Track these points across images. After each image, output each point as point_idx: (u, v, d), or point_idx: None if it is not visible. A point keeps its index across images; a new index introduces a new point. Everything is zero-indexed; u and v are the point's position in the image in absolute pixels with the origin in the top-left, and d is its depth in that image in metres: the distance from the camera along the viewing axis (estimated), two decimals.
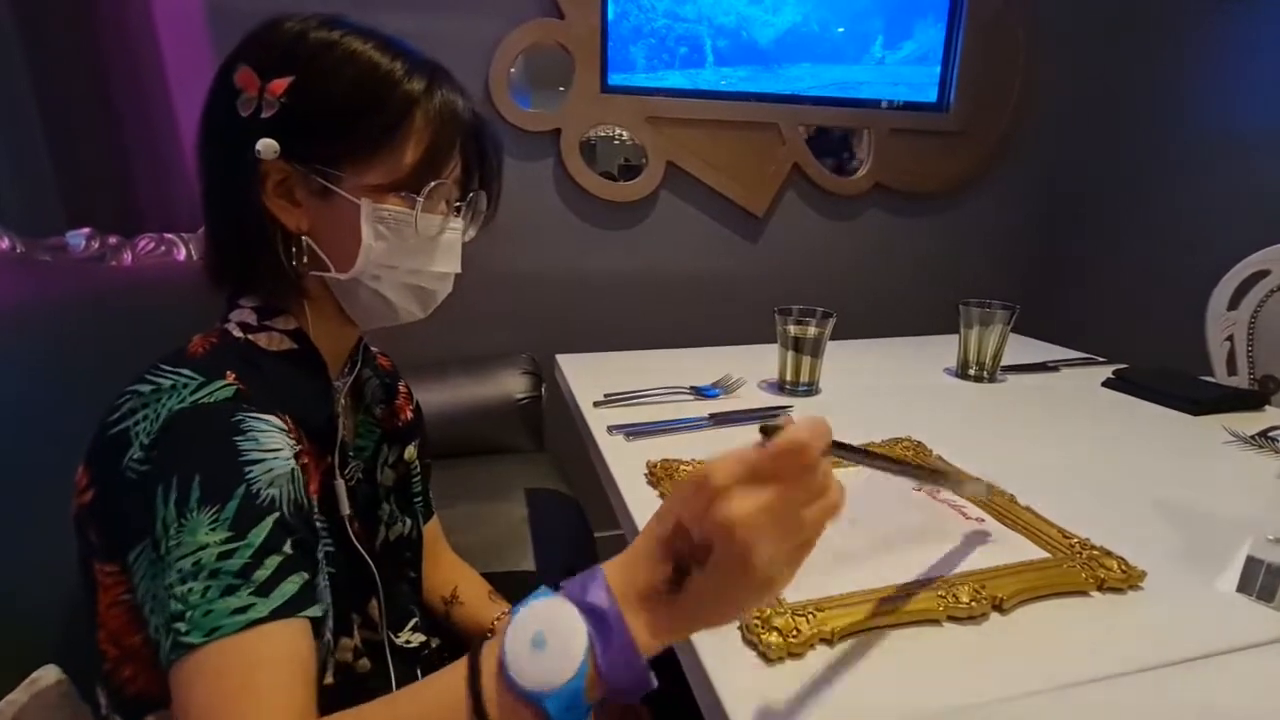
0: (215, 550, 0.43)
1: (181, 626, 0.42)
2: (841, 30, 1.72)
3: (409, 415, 0.73)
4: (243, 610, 0.42)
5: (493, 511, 1.27)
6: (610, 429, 0.87)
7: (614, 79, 1.60)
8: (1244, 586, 0.56)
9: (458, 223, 0.62)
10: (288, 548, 0.46)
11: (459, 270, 0.64)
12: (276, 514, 0.46)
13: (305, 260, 0.56)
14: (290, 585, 0.44)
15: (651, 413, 0.92)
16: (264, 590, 0.43)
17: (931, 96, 1.83)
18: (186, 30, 1.20)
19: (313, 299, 0.58)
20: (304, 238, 0.55)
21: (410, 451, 0.72)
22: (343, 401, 0.64)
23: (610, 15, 1.55)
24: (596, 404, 0.95)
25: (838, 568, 0.58)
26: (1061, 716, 0.44)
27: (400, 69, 0.54)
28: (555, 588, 0.39)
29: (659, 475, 0.73)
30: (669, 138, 1.66)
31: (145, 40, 1.16)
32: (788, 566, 0.36)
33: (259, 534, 0.45)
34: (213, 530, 0.44)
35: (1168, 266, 1.77)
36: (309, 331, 0.58)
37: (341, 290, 0.58)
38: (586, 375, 1.07)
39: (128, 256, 1.05)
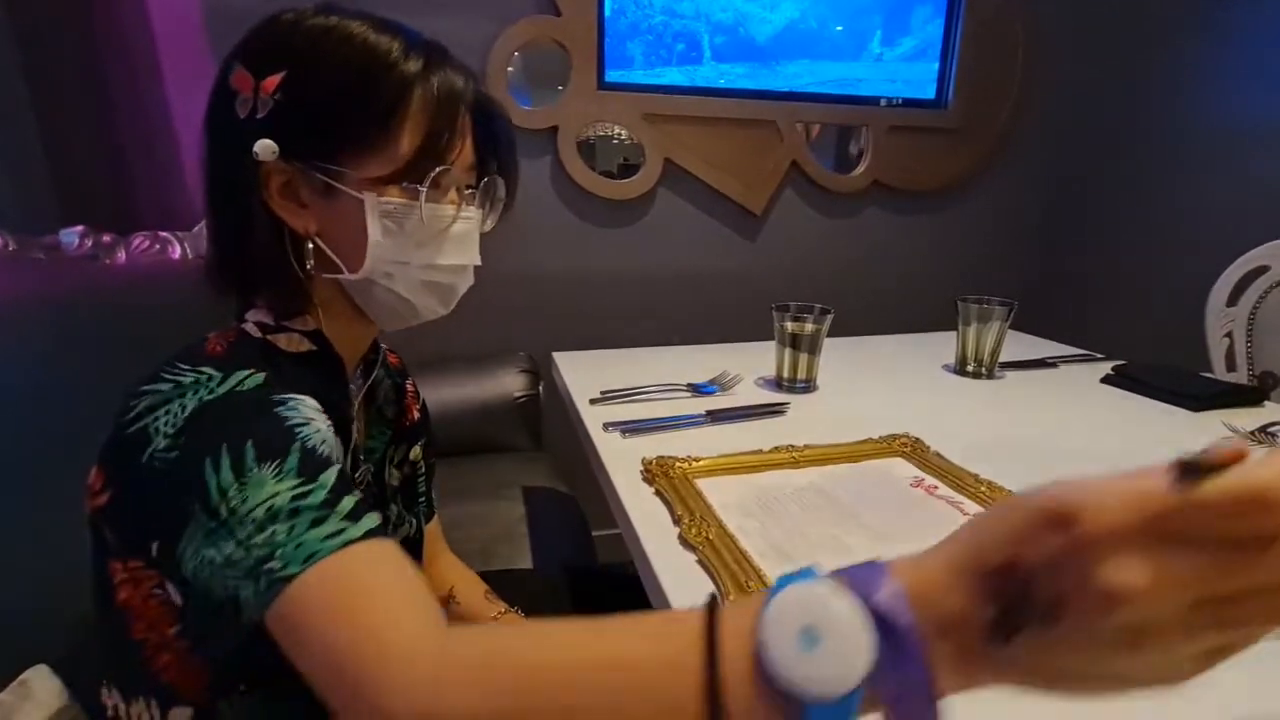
0: (289, 494, 0.42)
1: (274, 564, 0.39)
2: (840, 28, 1.71)
3: (415, 415, 0.72)
4: (335, 535, 0.40)
5: (490, 510, 1.27)
6: (606, 426, 0.86)
7: (611, 76, 1.59)
8: None
9: (472, 212, 0.60)
10: (357, 492, 0.44)
11: (478, 262, 0.62)
12: (338, 466, 0.45)
13: (315, 263, 0.54)
14: (370, 520, 0.43)
15: (648, 410, 0.91)
16: (352, 518, 0.42)
17: (930, 93, 1.82)
18: (183, 28, 1.20)
19: (325, 302, 0.56)
20: (314, 239, 0.54)
21: (416, 451, 0.71)
22: (357, 404, 0.62)
23: (607, 11, 1.54)
24: (593, 401, 0.94)
25: (836, 565, 0.58)
26: None
27: (397, 48, 0.51)
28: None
29: (654, 472, 0.73)
30: (667, 135, 1.66)
31: (141, 38, 1.15)
32: (1191, 665, 0.26)
33: (329, 477, 0.43)
34: (280, 481, 0.42)
35: (1167, 262, 1.77)
36: (325, 332, 0.57)
37: (356, 291, 0.57)
38: (583, 372, 1.06)
39: (122, 255, 1.05)
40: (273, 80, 0.50)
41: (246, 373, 0.47)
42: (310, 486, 0.42)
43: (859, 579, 0.30)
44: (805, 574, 0.31)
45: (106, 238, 1.04)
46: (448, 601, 0.79)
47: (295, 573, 0.39)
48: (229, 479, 0.42)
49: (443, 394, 1.49)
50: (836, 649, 0.28)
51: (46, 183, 1.10)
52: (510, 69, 1.53)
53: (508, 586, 0.83)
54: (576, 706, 0.32)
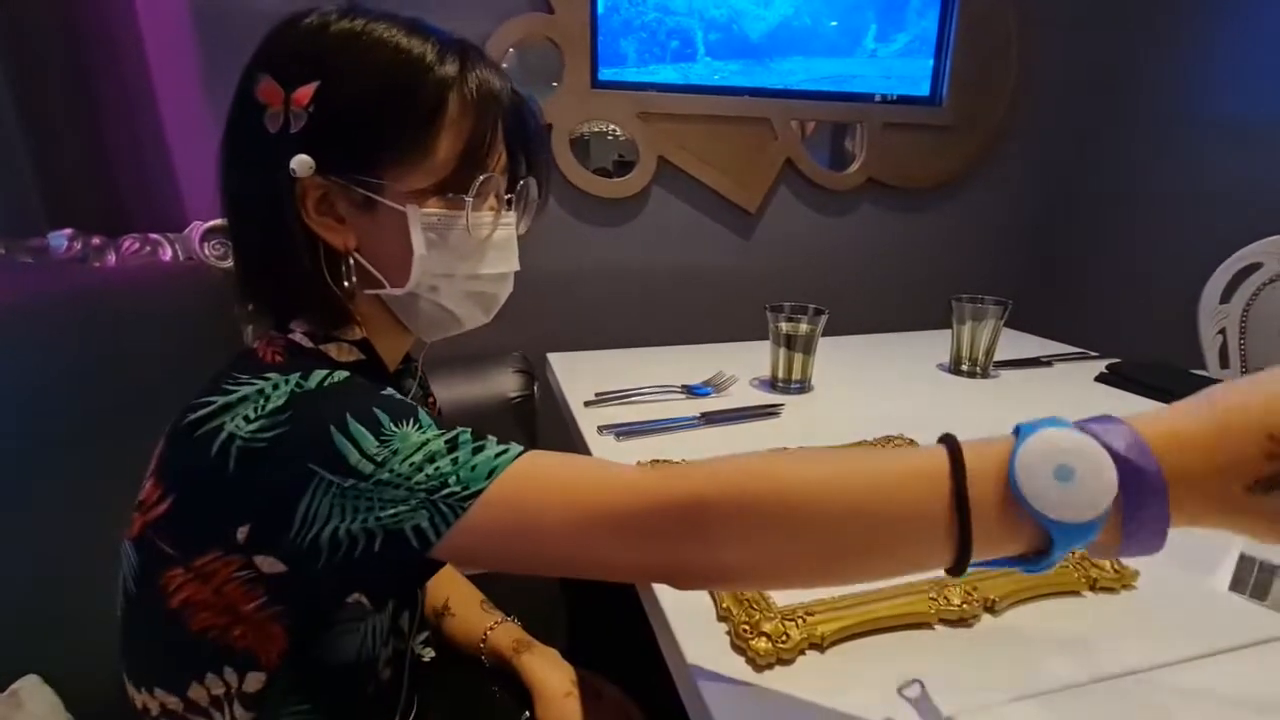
0: (439, 440, 0.42)
1: (452, 489, 0.40)
2: (834, 24, 1.70)
3: None
4: (504, 453, 0.42)
5: None
6: (600, 429, 0.86)
7: (604, 74, 1.58)
8: (1237, 585, 0.56)
9: (510, 217, 0.59)
10: None
11: (518, 268, 0.61)
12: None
13: (355, 280, 0.53)
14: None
15: (642, 412, 0.91)
16: (507, 443, 0.43)
17: (924, 90, 1.82)
18: (171, 28, 1.18)
19: (366, 315, 0.55)
20: (353, 255, 0.52)
21: None
22: None
23: (600, 9, 1.53)
24: (587, 403, 0.94)
25: None
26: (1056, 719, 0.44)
27: (431, 52, 0.50)
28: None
29: None
30: (661, 132, 1.65)
31: (128, 36, 1.14)
32: None
33: (466, 430, 0.44)
34: (424, 432, 0.42)
35: (1161, 260, 1.77)
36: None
37: (399, 305, 0.56)
38: (578, 374, 1.06)
39: (112, 257, 1.04)
40: (306, 91, 0.47)
41: (327, 370, 0.46)
42: (455, 432, 0.43)
43: (1102, 429, 0.35)
44: (1050, 421, 0.36)
45: (96, 240, 1.04)
46: (443, 613, 0.78)
47: (480, 488, 0.40)
48: (369, 439, 0.41)
49: (437, 395, 1.48)
50: (1087, 484, 0.33)
51: (33, 184, 1.09)
52: (505, 66, 1.52)
53: (502, 589, 0.83)
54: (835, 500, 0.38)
